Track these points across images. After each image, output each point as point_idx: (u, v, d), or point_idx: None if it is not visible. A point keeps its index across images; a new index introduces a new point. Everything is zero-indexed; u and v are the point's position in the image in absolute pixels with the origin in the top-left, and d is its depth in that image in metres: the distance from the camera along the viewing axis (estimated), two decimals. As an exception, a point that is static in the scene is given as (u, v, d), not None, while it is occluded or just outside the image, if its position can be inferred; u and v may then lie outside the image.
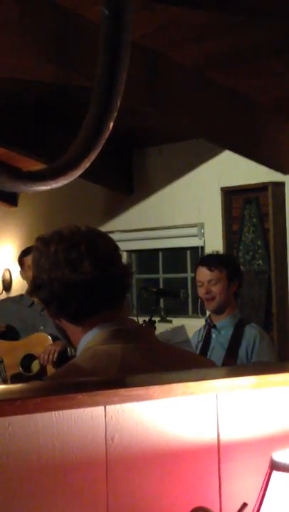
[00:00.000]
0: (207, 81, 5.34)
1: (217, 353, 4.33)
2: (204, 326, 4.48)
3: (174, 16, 4.48)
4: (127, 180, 7.11)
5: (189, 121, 5.44)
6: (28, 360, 5.33)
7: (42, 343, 5.32)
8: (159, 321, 5.13)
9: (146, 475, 1.67)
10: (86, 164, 1.65)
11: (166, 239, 6.96)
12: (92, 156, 1.64)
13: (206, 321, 4.51)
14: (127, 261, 6.97)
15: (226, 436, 1.75)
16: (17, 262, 5.69)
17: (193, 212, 6.63)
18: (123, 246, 7.02)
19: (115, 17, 1.59)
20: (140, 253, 7.46)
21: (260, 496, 1.61)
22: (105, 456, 1.62)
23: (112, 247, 2.16)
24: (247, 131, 5.63)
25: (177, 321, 5.44)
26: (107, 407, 1.63)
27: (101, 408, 1.62)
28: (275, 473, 1.59)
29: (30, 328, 5.43)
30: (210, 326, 4.42)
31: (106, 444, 1.62)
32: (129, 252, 7.40)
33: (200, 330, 4.51)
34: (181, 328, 4.17)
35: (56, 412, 1.57)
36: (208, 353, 4.36)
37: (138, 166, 7.11)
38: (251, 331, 4.32)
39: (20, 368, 5.31)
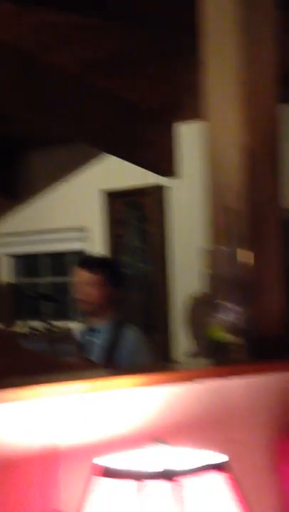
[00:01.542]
0: (87, 85, 5.34)
1: (95, 355, 4.33)
2: (83, 329, 4.49)
3: (52, 18, 4.45)
4: (9, 184, 7.04)
5: (68, 125, 5.41)
6: None
7: None
8: (41, 324, 5.12)
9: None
10: None
11: (47, 243, 6.92)
12: None
13: (84, 323, 4.51)
14: (9, 265, 6.90)
15: (58, 442, 1.75)
16: None
17: (75, 216, 6.61)
18: (6, 250, 6.96)
19: None
20: (23, 257, 7.39)
21: (82, 502, 1.61)
22: None
23: None
24: (127, 135, 5.65)
25: (59, 325, 5.43)
26: None
27: None
28: (96, 478, 1.60)
29: None
30: (89, 329, 4.42)
31: None
32: (13, 256, 7.33)
33: (79, 333, 4.51)
34: (69, 331, 4.16)
35: None
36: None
37: (20, 169, 7.05)
38: (129, 333, 4.34)
39: None
